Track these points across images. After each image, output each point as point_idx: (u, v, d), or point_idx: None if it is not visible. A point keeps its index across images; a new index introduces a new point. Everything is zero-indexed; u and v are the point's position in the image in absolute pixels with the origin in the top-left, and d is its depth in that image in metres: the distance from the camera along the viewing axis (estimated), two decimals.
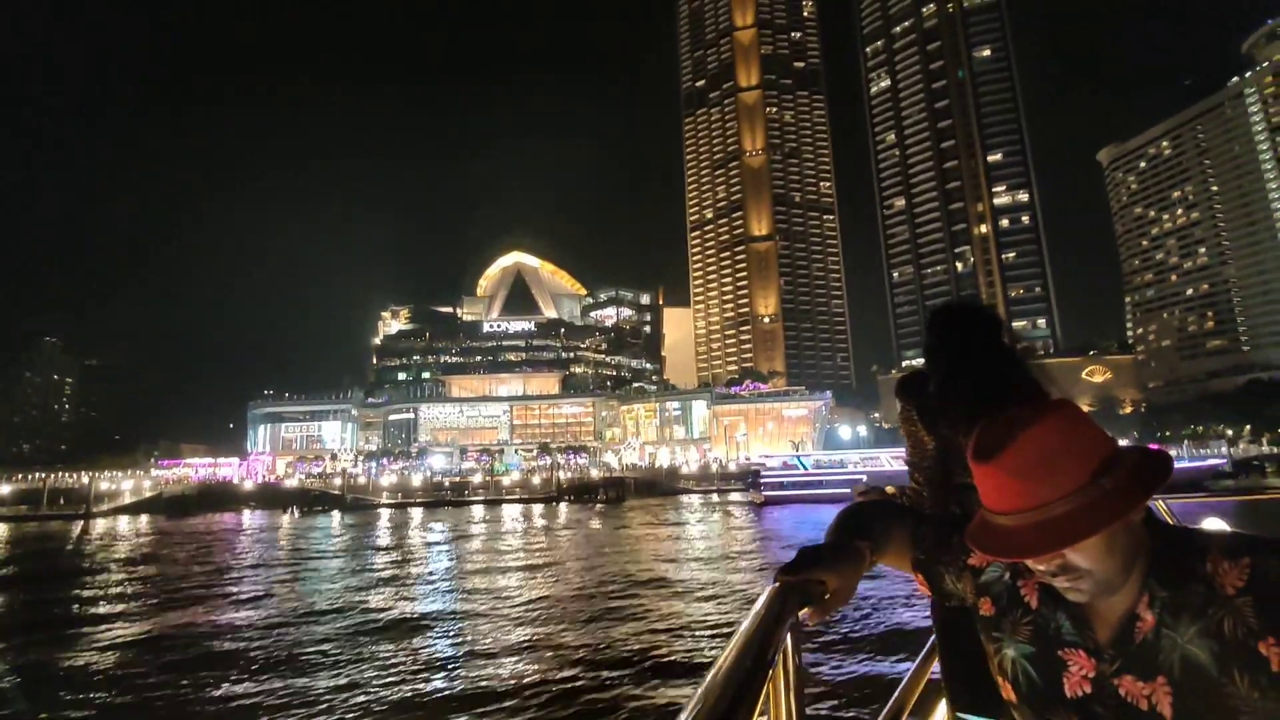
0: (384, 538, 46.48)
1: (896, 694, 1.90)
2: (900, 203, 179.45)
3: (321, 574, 29.28)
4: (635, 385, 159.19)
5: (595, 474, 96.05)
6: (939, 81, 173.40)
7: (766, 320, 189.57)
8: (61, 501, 72.80)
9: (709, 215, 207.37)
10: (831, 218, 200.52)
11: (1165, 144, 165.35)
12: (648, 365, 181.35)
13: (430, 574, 28.78)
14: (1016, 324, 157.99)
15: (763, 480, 67.17)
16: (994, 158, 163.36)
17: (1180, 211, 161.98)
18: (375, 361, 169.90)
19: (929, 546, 1.47)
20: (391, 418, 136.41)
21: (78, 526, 65.67)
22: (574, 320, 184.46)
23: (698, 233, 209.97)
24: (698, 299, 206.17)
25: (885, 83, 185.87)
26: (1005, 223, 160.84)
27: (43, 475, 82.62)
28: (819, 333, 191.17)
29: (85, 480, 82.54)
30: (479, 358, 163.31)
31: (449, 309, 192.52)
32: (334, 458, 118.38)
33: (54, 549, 46.39)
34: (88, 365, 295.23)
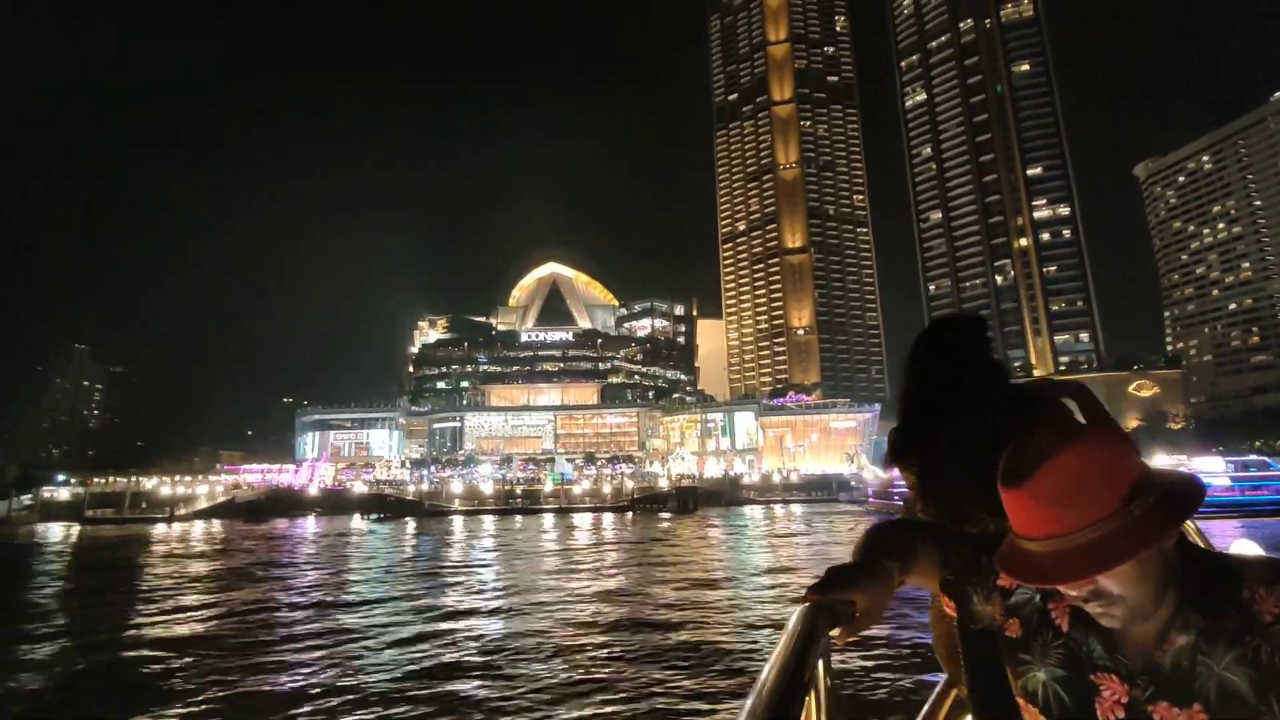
0: (497, 544, 46.54)
1: (923, 713, 1.86)
2: (937, 216, 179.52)
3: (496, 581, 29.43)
4: (674, 396, 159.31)
5: (631, 485, 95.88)
6: (977, 96, 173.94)
7: (801, 332, 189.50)
8: (144, 506, 73.42)
9: (741, 227, 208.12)
10: (865, 231, 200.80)
11: (1206, 158, 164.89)
12: (682, 376, 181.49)
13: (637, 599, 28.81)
14: (1059, 338, 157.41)
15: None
16: (1034, 171, 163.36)
17: (1221, 226, 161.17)
18: (413, 370, 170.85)
19: (957, 566, 1.45)
20: (436, 426, 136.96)
21: (160, 529, 66.32)
22: (608, 331, 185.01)
23: (730, 245, 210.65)
24: (730, 310, 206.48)
25: (921, 97, 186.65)
26: (1046, 236, 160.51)
27: (118, 480, 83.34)
28: (854, 345, 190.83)
29: (146, 485, 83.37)
30: (516, 367, 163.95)
31: (483, 319, 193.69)
32: (387, 465, 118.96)
33: (183, 551, 46.74)
34: (114, 372, 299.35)
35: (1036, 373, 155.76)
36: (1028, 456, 1.12)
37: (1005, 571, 1.17)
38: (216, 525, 69.39)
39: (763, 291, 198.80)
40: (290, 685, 13.68)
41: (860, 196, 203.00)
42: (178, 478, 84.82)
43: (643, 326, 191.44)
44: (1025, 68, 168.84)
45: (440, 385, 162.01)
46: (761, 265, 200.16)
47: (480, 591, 24.41)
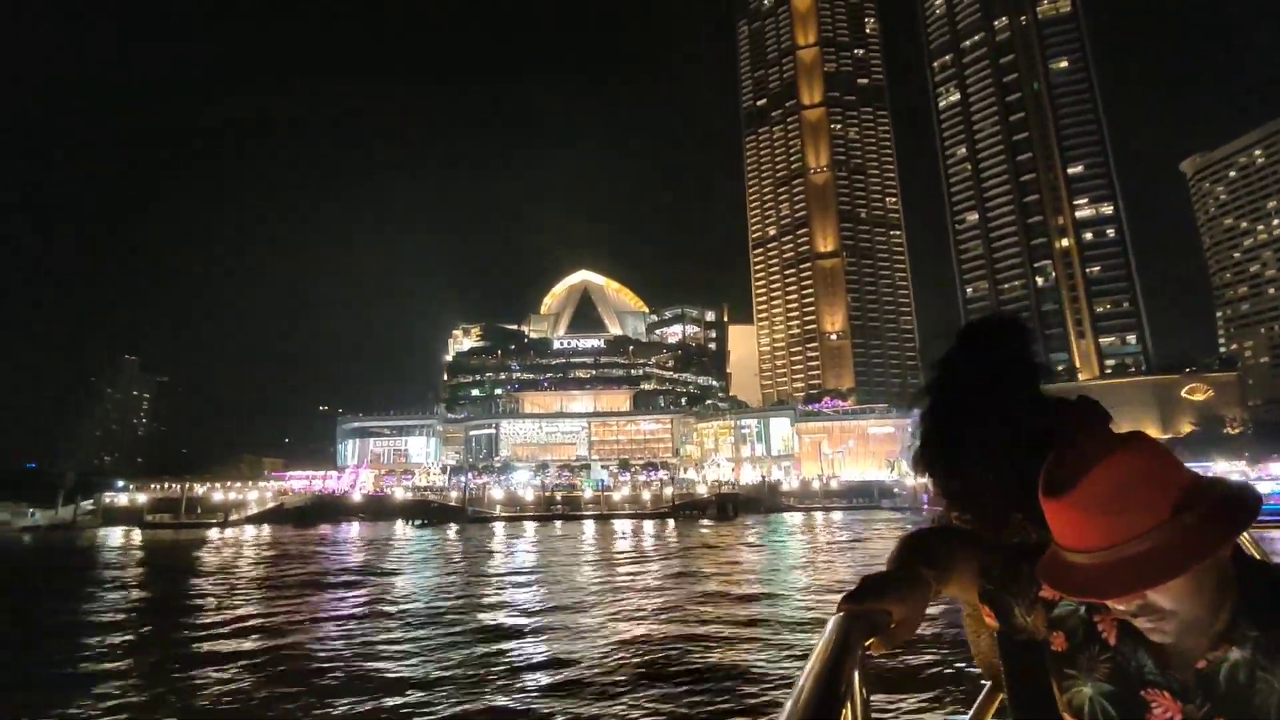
0: (539, 553, 46.77)
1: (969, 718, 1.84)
2: (973, 217, 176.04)
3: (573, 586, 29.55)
4: (707, 402, 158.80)
5: (670, 491, 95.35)
6: (1013, 94, 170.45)
7: (834, 337, 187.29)
8: (199, 511, 75.74)
9: (771, 232, 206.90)
10: (899, 233, 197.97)
11: (1258, 152, 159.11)
12: (714, 382, 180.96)
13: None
14: (1104, 340, 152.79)
15: None
16: (1075, 170, 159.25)
17: (1277, 222, 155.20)
18: (448, 378, 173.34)
19: (997, 577, 1.39)
20: (472, 433, 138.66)
21: (213, 533, 68.20)
22: (639, 338, 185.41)
23: (760, 250, 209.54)
24: (761, 316, 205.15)
25: (954, 97, 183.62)
26: (1089, 236, 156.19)
27: (174, 485, 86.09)
28: (888, 350, 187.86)
29: (198, 490, 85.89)
30: (549, 374, 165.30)
31: (515, 326, 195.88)
32: (425, 472, 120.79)
33: (247, 554, 47.98)
34: (160, 382, 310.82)
35: (1081, 376, 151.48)
36: (1070, 464, 1.09)
37: (1048, 584, 1.14)
38: (266, 530, 71.16)
39: (794, 296, 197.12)
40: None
41: (893, 199, 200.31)
42: (228, 484, 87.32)
43: (674, 333, 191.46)
44: (1064, 64, 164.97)
45: (474, 393, 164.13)
46: (793, 270, 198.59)
47: (527, 612, 23.94)
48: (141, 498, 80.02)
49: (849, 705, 1.09)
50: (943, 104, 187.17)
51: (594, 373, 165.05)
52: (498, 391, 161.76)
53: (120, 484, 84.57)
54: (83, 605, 26.29)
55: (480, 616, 21.14)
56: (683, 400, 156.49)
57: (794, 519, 77.77)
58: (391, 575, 33.09)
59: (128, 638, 19.98)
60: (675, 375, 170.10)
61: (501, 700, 12.88)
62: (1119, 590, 1.02)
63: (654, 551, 42.94)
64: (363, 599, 25.46)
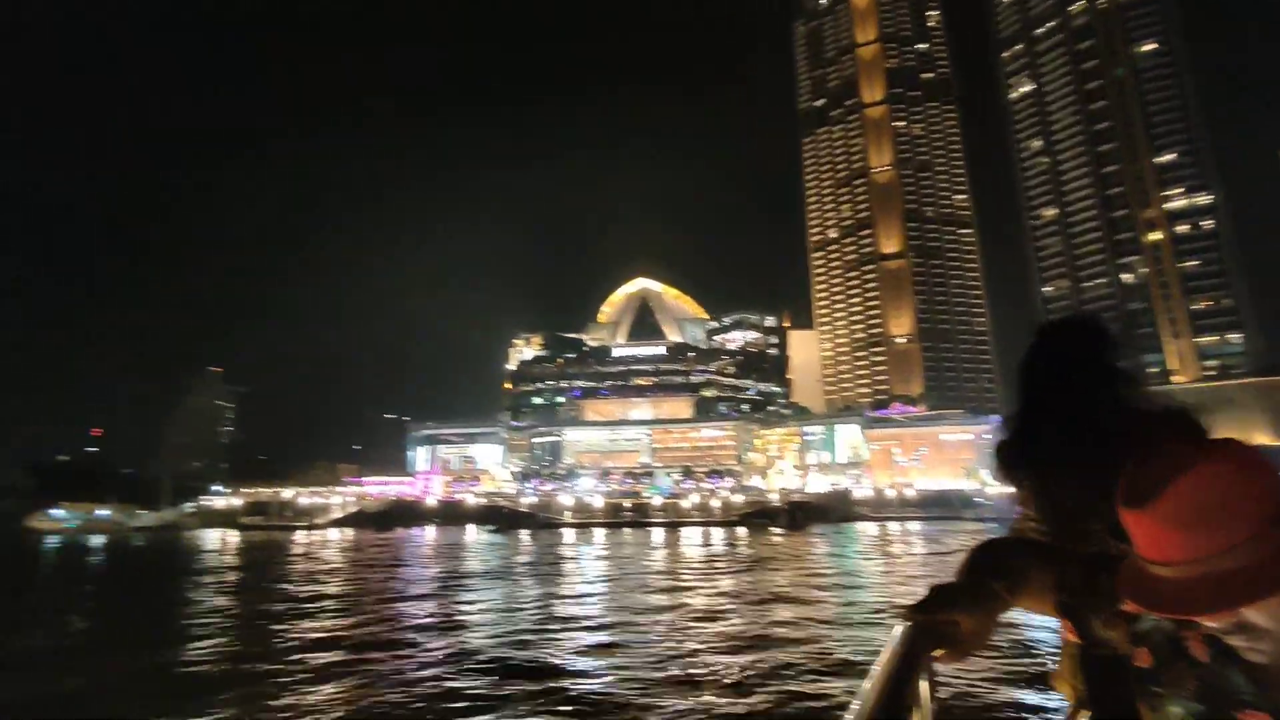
0: (610, 563, 46.42)
1: None
2: (1050, 212, 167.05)
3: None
4: (769, 409, 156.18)
5: (740, 499, 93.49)
6: (1093, 81, 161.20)
7: (901, 341, 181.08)
8: (289, 514, 79.52)
9: (833, 235, 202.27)
10: (969, 231, 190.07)
11: None
12: (775, 388, 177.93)
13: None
14: (1203, 340, 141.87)
15: None
16: (1166, 158, 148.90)
17: None
18: (511, 387, 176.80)
19: (1075, 589, 1.31)
20: (536, 440, 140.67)
21: (301, 535, 71.20)
22: (698, 344, 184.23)
23: (820, 253, 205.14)
24: (823, 320, 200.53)
25: (1028, 87, 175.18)
26: (1183, 228, 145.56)
27: (263, 490, 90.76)
28: (960, 354, 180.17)
29: (284, 495, 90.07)
30: (609, 382, 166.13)
31: (575, 335, 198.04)
32: (493, 479, 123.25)
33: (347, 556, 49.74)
34: (241, 392, 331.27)
35: (1177, 379, 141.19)
36: (1153, 473, 1.01)
37: (1130, 599, 1.07)
38: (349, 532, 73.84)
39: (858, 299, 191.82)
40: None
41: (961, 196, 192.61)
42: (311, 489, 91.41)
43: (733, 339, 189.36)
44: (1150, 47, 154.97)
45: (536, 401, 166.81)
46: (856, 273, 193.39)
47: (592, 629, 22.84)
48: (236, 501, 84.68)
49: (917, 717, 1.04)
50: (1014, 95, 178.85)
51: (654, 380, 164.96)
52: (559, 400, 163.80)
53: (216, 488, 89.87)
54: (245, 600, 27.57)
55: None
56: (744, 407, 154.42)
57: (868, 529, 75.05)
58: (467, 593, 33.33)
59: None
60: (736, 382, 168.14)
61: None
62: (1207, 607, 0.96)
63: (742, 575, 41.87)
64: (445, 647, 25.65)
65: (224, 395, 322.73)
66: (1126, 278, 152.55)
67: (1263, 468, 0.98)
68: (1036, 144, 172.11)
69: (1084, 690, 1.42)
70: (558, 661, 16.81)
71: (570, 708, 13.08)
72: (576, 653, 17.83)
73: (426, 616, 23.75)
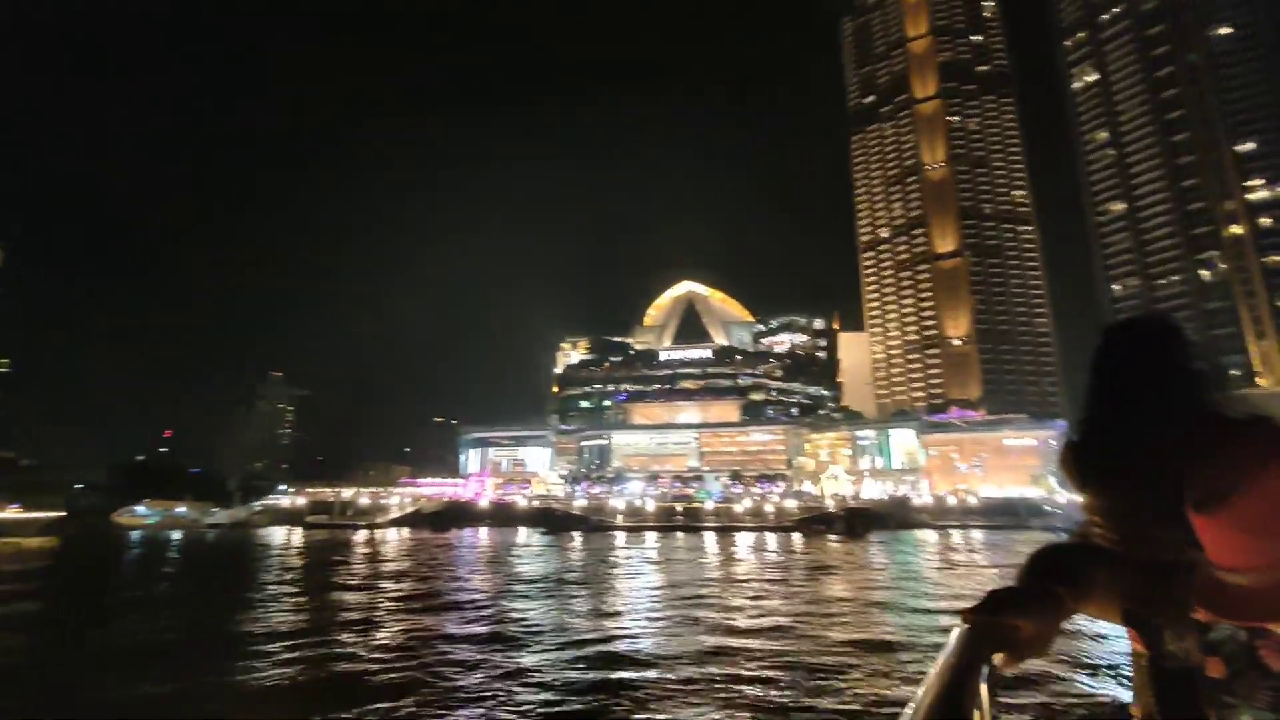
0: (662, 571, 46.01)
1: None
2: (1119, 207, 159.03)
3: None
4: (820, 413, 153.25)
5: (794, 504, 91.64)
6: (1164, 69, 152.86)
7: (958, 343, 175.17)
8: (350, 513, 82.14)
9: (884, 234, 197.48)
10: (1029, 228, 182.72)
11: None
12: (825, 392, 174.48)
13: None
14: None
15: None
16: (1246, 147, 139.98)
17: None
18: (558, 390, 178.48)
19: (1142, 597, 1.28)
20: (584, 444, 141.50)
21: (362, 534, 73.29)
22: (745, 347, 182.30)
23: (871, 253, 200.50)
24: (874, 322, 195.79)
25: (1092, 77, 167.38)
26: (1267, 221, 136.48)
27: (325, 490, 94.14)
28: (1020, 355, 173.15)
29: (344, 494, 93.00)
30: (656, 385, 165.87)
31: (620, 338, 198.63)
32: (543, 481, 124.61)
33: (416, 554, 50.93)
34: (301, 395, 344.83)
35: (1261, 381, 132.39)
36: (1227, 477, 1.00)
37: (1203, 607, 1.05)
38: (405, 532, 75.66)
39: (910, 300, 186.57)
40: None
41: (1020, 192, 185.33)
42: (372, 490, 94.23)
43: (780, 342, 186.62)
44: (1227, 31, 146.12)
45: (583, 404, 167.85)
46: (909, 272, 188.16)
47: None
48: (301, 501, 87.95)
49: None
50: (1077, 85, 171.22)
51: (701, 384, 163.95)
52: (606, 403, 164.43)
53: (282, 487, 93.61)
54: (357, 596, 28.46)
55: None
56: (793, 411, 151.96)
57: (928, 537, 72.55)
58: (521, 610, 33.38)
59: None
60: (784, 385, 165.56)
61: None
62: None
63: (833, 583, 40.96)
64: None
65: (286, 398, 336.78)
66: (1205, 274, 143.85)
67: None
68: (1102, 135, 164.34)
69: (1153, 703, 1.38)
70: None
71: None
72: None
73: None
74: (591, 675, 16.46)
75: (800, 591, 32.58)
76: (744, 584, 35.47)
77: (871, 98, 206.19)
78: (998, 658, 1.17)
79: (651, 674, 16.43)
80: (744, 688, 15.25)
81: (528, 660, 17.90)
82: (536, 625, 22.84)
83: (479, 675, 16.55)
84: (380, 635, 21.71)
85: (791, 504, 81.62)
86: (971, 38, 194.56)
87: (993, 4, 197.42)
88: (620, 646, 19.49)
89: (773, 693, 14.94)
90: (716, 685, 15.43)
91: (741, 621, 23.34)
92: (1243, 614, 0.99)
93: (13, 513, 75.07)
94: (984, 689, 1.07)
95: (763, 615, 24.79)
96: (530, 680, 16.01)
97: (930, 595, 31.72)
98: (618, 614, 25.60)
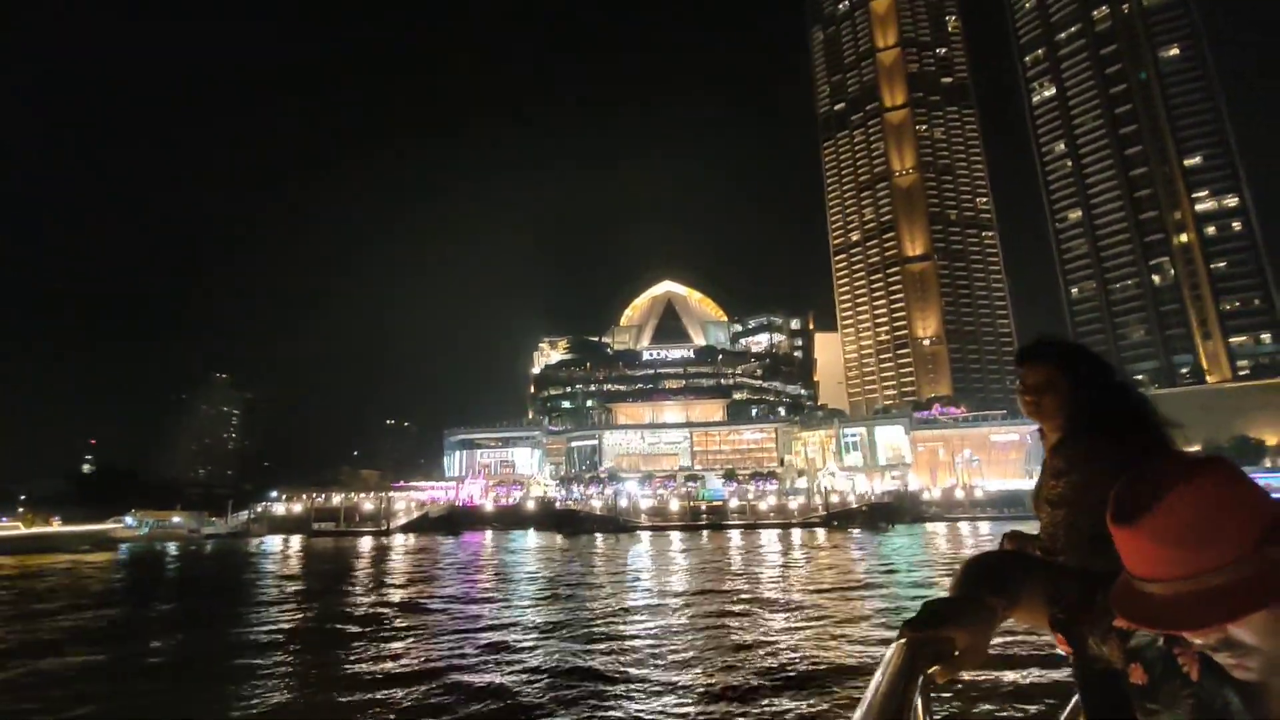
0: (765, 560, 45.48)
1: None
2: (1076, 215, 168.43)
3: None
4: (805, 411, 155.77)
5: (817, 501, 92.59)
6: (1117, 86, 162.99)
7: (928, 343, 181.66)
8: (356, 520, 77.98)
9: (855, 238, 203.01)
10: (991, 234, 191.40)
11: None
12: (803, 390, 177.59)
13: None
14: (1235, 340, 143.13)
15: None
16: (1192, 161, 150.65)
17: None
18: (534, 391, 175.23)
19: (1069, 604, 1.32)
20: (574, 444, 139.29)
21: (367, 541, 69.76)
22: (723, 347, 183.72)
23: (843, 256, 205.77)
24: (846, 323, 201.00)
25: (1049, 91, 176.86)
26: (1212, 230, 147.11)
27: (320, 496, 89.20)
28: (985, 355, 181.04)
29: (352, 499, 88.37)
30: (638, 385, 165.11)
31: (598, 338, 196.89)
32: (537, 482, 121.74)
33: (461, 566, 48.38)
34: (248, 398, 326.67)
35: (1209, 378, 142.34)
36: (1144, 490, 1.01)
37: (1121, 614, 1.06)
38: (411, 539, 72.38)
39: (882, 302, 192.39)
40: None
41: (984, 199, 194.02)
42: (374, 494, 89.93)
43: (758, 342, 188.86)
44: (1175, 51, 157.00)
45: (564, 405, 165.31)
46: (880, 275, 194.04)
47: None
48: (297, 507, 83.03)
49: None
50: (1036, 99, 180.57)
51: (683, 383, 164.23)
52: (588, 403, 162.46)
53: (274, 494, 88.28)
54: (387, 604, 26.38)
55: None
56: (779, 409, 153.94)
57: (940, 529, 74.62)
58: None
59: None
60: (765, 384, 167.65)
61: None
62: (1195, 623, 0.95)
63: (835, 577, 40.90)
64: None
65: (231, 401, 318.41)
66: (1156, 279, 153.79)
67: (1253, 489, 0.99)
68: (1060, 147, 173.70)
69: (1081, 704, 1.42)
70: None
71: None
72: None
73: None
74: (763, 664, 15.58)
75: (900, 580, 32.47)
76: (850, 577, 35.11)
77: (841, 105, 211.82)
78: (934, 670, 1.19)
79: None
80: None
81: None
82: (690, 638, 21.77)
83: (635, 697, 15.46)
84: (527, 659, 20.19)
85: (797, 501, 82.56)
86: (937, 50, 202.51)
87: (955, 19, 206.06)
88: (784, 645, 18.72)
89: None
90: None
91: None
92: (1159, 623, 0.99)
93: None
94: (919, 702, 1.09)
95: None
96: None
97: None
98: (743, 609, 24.72)
